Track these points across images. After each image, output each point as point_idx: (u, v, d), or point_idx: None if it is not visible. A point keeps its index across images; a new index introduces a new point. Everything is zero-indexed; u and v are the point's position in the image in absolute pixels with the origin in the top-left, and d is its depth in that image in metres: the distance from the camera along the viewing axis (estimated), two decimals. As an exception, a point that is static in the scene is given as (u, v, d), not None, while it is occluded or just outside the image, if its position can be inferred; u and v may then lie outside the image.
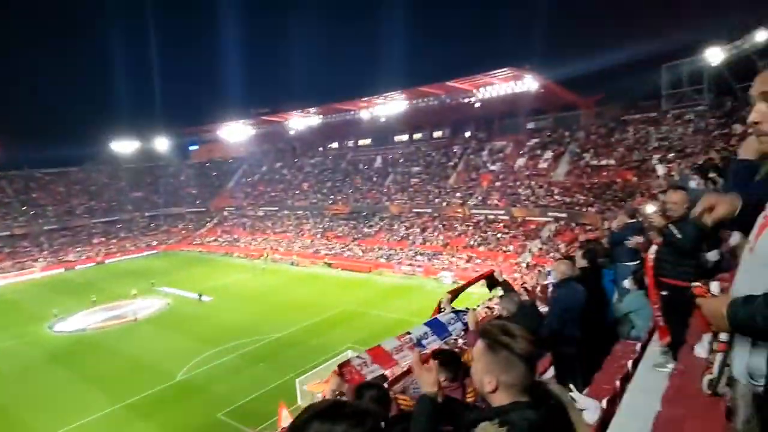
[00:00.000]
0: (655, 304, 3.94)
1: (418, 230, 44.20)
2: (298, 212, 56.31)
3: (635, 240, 5.21)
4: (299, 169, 65.62)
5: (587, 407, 3.71)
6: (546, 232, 36.64)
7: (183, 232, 62.82)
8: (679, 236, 3.52)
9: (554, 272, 4.51)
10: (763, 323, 1.10)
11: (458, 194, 45.63)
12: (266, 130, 66.40)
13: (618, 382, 4.49)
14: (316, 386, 16.08)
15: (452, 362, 3.01)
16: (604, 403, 3.93)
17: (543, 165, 43.47)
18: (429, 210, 45.92)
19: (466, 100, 46.31)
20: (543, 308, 5.74)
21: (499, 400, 1.53)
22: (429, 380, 1.80)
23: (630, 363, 4.89)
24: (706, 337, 3.60)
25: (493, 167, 46.90)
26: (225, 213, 63.70)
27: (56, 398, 20.17)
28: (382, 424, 2.51)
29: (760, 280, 1.16)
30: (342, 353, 20.79)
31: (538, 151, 45.19)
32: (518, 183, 42.86)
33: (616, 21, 58.39)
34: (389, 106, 50.84)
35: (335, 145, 66.96)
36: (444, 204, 45.34)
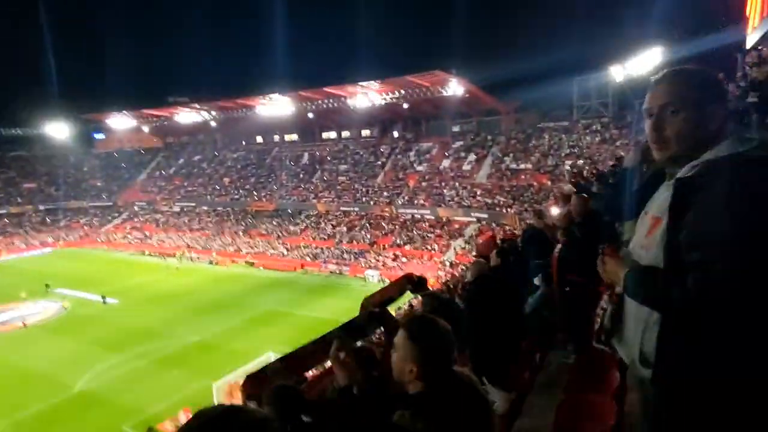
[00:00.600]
0: (559, 299, 4.29)
1: (345, 229, 44.23)
2: (219, 209, 54.09)
3: None
4: (220, 163, 63.02)
5: (497, 399, 3.96)
6: (469, 232, 38.22)
7: (85, 228, 57.87)
8: (578, 235, 3.86)
9: (468, 272, 4.75)
10: (644, 293, 1.32)
11: (386, 193, 46.25)
12: (184, 121, 63.06)
13: (528, 374, 4.84)
14: (233, 389, 15.58)
15: (368, 359, 3.08)
16: (513, 394, 4.21)
17: (467, 167, 45.27)
18: (356, 208, 46.10)
19: (395, 101, 47.20)
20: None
21: (416, 387, 1.62)
22: (344, 374, 1.85)
23: (539, 356, 5.28)
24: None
25: (419, 168, 48.08)
26: (135, 208, 59.57)
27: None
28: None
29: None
30: (264, 355, 20.32)
31: (463, 154, 47.00)
32: (443, 184, 44.29)
33: (536, 32, 62.23)
34: (317, 102, 50.65)
35: (260, 139, 65.08)
36: (371, 203, 45.75)
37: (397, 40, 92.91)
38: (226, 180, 58.54)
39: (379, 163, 51.31)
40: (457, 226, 39.54)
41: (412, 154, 50.44)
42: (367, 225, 43.68)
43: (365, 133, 57.52)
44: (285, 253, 42.71)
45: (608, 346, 1.94)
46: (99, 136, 74.20)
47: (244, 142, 65.20)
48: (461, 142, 48.48)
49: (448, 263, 34.41)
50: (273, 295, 31.97)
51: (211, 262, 42.73)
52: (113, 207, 60.89)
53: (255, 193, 54.11)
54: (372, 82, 44.79)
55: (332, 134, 59.68)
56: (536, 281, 6.03)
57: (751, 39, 14.02)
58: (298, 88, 50.01)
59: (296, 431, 2.48)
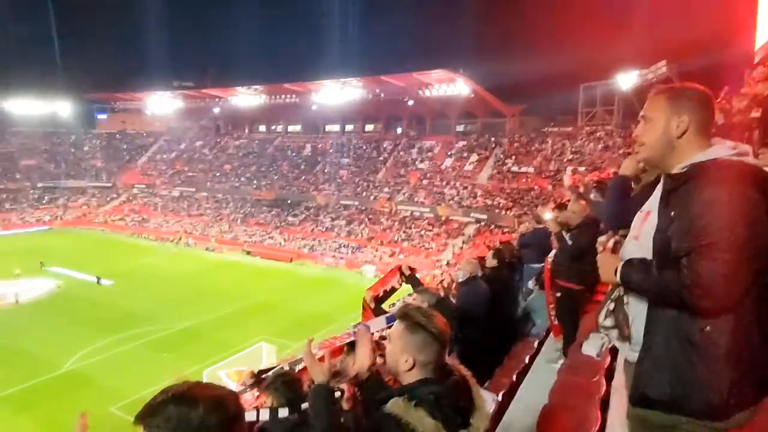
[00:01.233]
0: (550, 304, 4.31)
1: (344, 222, 44.27)
2: (218, 195, 54.06)
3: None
4: (222, 150, 62.92)
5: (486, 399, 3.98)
6: (468, 232, 38.29)
7: (83, 207, 57.79)
8: (569, 242, 3.89)
9: (461, 271, 4.78)
10: (637, 279, 1.47)
11: (386, 189, 46.29)
12: (189, 106, 63.02)
13: (515, 377, 4.87)
14: (234, 374, 15.67)
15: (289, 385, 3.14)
16: (499, 396, 4.24)
17: (468, 167, 45.30)
18: (356, 203, 46.13)
19: (401, 97, 47.22)
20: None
21: (411, 377, 1.67)
22: (319, 371, 1.88)
23: (527, 358, 5.32)
24: (594, 337, 4.02)
25: (421, 165, 48.09)
26: (134, 191, 59.51)
27: None
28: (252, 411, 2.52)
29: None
30: (256, 344, 20.40)
31: (465, 154, 47.00)
32: (444, 183, 44.33)
33: (544, 36, 62.08)
34: (322, 94, 50.64)
35: (263, 128, 65.04)
36: (371, 198, 45.79)
37: (406, 36, 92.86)
38: (227, 167, 58.48)
39: (381, 158, 51.32)
40: (456, 225, 39.59)
41: (414, 151, 50.44)
42: (366, 220, 43.72)
43: (369, 127, 57.50)
44: (282, 243, 42.77)
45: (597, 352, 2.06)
46: (101, 116, 74.10)
47: (246, 130, 65.18)
48: (464, 143, 48.49)
49: (445, 262, 34.49)
50: (268, 285, 31.99)
51: (208, 249, 42.76)
52: (112, 188, 60.82)
53: (255, 181, 54.10)
54: (379, 77, 44.81)
55: (335, 127, 59.68)
56: (530, 285, 6.07)
57: (759, 54, 14.02)
58: (302, 80, 50.05)
59: (299, 419, 2.52)
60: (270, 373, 3.16)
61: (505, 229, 35.01)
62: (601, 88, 41.14)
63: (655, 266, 1.42)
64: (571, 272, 3.85)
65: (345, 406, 2.40)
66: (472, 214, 39.35)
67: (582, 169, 34.52)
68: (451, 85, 43.11)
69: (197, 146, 64.96)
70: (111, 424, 15.32)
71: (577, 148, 40.87)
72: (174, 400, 1.08)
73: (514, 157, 43.81)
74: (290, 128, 62.98)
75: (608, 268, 1.57)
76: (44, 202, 57.59)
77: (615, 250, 1.67)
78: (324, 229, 44.00)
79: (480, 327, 4.12)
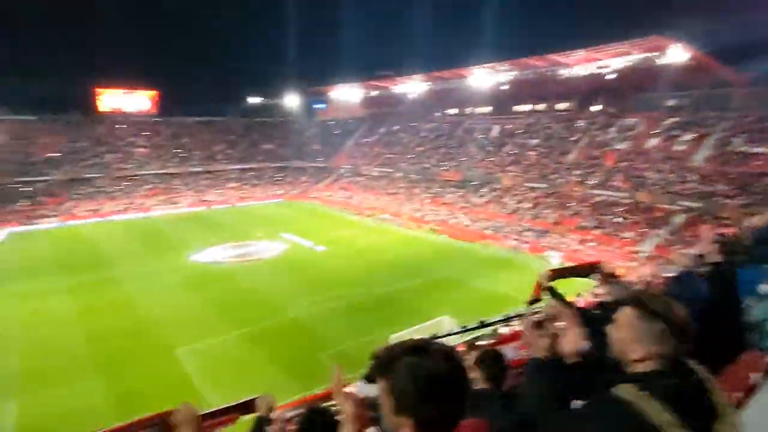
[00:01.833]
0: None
1: (530, 205, 42.70)
2: (411, 176, 57.35)
3: None
4: (416, 133, 66.23)
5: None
6: (675, 222, 33.22)
7: (304, 184, 67.77)
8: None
9: (675, 264, 4.22)
10: None
11: (577, 172, 42.87)
12: (387, 93, 67.79)
13: (738, 395, 4.28)
14: None
15: (494, 360, 3.08)
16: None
17: (680, 148, 38.83)
18: (544, 185, 43.91)
19: (598, 71, 42.71)
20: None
21: (642, 368, 1.54)
22: (541, 344, 1.86)
23: (757, 376, 4.58)
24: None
25: (620, 146, 43.02)
26: (342, 170, 67.16)
27: (186, 319, 23.66)
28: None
29: None
30: (439, 317, 21.54)
31: (676, 132, 40.32)
32: (647, 165, 38.96)
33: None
34: (509, 74, 48.97)
35: (453, 111, 66.19)
36: (560, 180, 43.01)
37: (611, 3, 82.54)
38: (419, 149, 61.44)
39: (574, 138, 47.48)
40: (658, 214, 34.67)
41: (612, 130, 45.32)
42: (553, 204, 41.36)
43: (561, 106, 53.57)
44: (467, 223, 43.43)
45: None
46: (319, 106, 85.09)
47: (438, 114, 67.15)
48: (675, 119, 41.56)
49: (644, 254, 30.73)
50: (452, 263, 33.08)
51: (400, 225, 46.02)
52: (326, 168, 69.70)
53: (444, 162, 55.70)
54: (578, 51, 41.03)
55: (525, 107, 57.20)
56: (765, 288, 5.21)
57: None
58: (494, 60, 48.82)
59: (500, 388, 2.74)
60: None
61: (725, 221, 29.34)
62: None
63: None
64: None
65: None
66: (681, 202, 33.87)
67: None
68: (660, 53, 37.17)
69: (394, 130, 69.62)
70: (317, 366, 18.33)
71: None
72: (410, 350, 1.22)
73: (743, 134, 35.94)
74: (479, 110, 62.63)
75: None
76: (278, 178, 69.29)
77: None
78: (509, 212, 43.15)
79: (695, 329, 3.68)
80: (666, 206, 34.55)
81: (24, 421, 15.50)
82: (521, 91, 53.73)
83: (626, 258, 30.21)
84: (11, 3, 78.75)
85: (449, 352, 1.24)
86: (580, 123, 48.84)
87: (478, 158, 53.31)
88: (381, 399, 1.24)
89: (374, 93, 69.31)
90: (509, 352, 4.72)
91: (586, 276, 4.12)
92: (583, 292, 18.21)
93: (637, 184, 37.57)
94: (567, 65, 44.46)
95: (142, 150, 66.17)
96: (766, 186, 30.36)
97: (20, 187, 53.21)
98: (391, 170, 60.43)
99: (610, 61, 41.61)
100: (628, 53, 39.51)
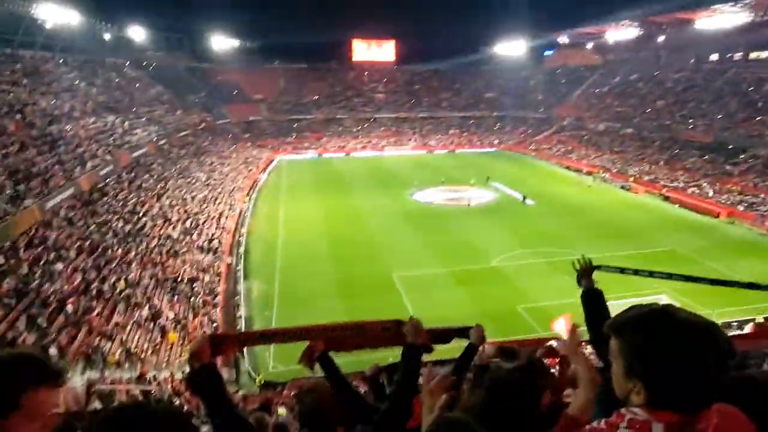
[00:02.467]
0: None
1: (809, 181, 32.61)
2: (645, 133, 49.41)
3: None
4: (658, 84, 55.82)
5: None
6: None
7: (522, 135, 65.13)
8: None
9: None
10: None
11: None
12: (629, 36, 58.14)
13: None
14: None
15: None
16: None
17: None
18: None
19: None
20: None
21: None
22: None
23: None
24: None
25: None
26: (564, 123, 61.89)
27: (403, 249, 26.38)
28: None
29: None
30: (656, 295, 19.07)
31: None
32: None
33: None
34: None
35: (715, 57, 53.05)
36: None
37: None
38: (660, 103, 51.86)
39: None
40: None
41: None
42: None
43: None
44: (711, 194, 35.73)
45: None
46: (548, 53, 78.48)
47: (692, 61, 54.81)
48: None
49: None
50: (681, 237, 28.12)
51: (623, 187, 40.81)
52: (547, 119, 65.24)
53: (691, 120, 46.03)
54: None
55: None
56: None
57: None
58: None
59: None
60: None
61: None
62: None
63: None
64: None
65: None
66: None
67: None
68: None
69: (632, 79, 59.95)
70: (515, 318, 18.55)
71: None
72: (651, 314, 1.10)
73: None
74: (753, 55, 48.61)
75: None
76: (496, 128, 68.25)
77: None
78: (775, 186, 33.81)
79: None
80: None
81: (282, 290, 21.43)
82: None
83: None
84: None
85: (711, 328, 1.06)
86: None
87: (739, 117, 42.29)
88: (612, 359, 1.15)
89: (612, 36, 60.26)
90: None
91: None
92: None
93: None
94: None
95: (380, 95, 73.00)
96: None
97: (293, 124, 65.42)
98: (620, 125, 52.98)
99: None
100: None
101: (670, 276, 3.01)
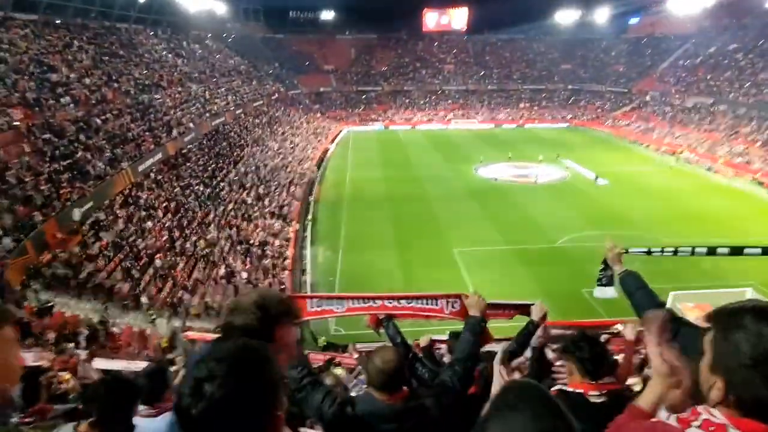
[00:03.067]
0: None
1: None
2: (739, 110, 44.16)
3: None
4: (762, 55, 49.22)
5: None
6: None
7: (598, 110, 60.69)
8: None
9: None
10: None
11: None
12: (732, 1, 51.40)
13: None
14: (690, 310, 14.57)
15: None
16: None
17: None
18: None
19: None
20: None
21: None
22: None
23: None
24: None
25: None
26: (647, 97, 56.68)
27: (466, 224, 25.85)
28: None
29: None
30: (742, 288, 17.41)
31: None
32: None
33: None
34: None
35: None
36: None
37: None
38: (762, 76, 45.84)
39: None
40: None
41: None
42: None
43: None
44: (818, 181, 31.55)
45: None
46: (634, 20, 71.48)
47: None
48: None
49: None
50: (777, 228, 25.24)
51: (710, 169, 37.07)
52: (627, 94, 60.13)
53: (801, 97, 40.42)
54: None
55: None
56: None
57: None
58: None
59: None
60: None
61: None
62: None
63: None
64: None
65: None
66: None
67: None
68: None
69: (730, 50, 53.31)
70: (578, 301, 17.69)
71: None
72: (754, 311, 1.02)
73: None
74: None
75: None
76: (570, 102, 64.07)
77: None
78: None
79: None
80: None
81: (345, 258, 21.89)
82: None
83: None
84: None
85: None
86: None
87: None
88: (704, 348, 1.07)
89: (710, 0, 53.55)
90: None
91: None
92: None
93: None
94: None
95: (449, 66, 70.75)
96: None
97: (361, 96, 65.42)
98: (711, 101, 47.66)
99: None
100: None
101: (702, 250, 2.84)
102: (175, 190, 22.58)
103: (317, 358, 11.04)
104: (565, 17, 71.27)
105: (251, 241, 21.75)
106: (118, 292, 13.90)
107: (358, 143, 49.52)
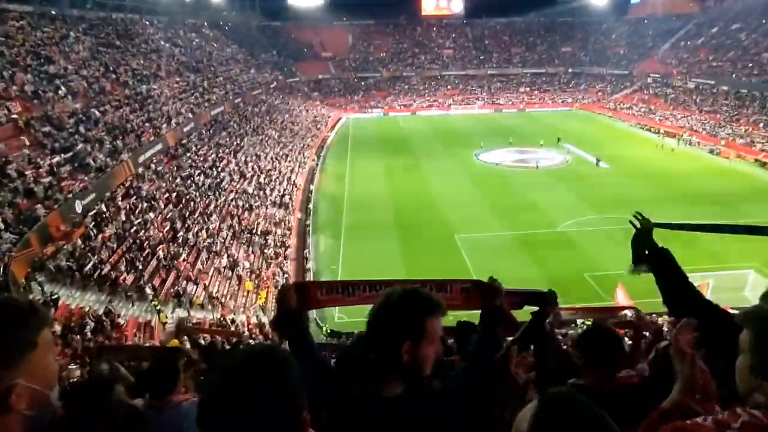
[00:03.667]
0: None
1: None
2: (742, 91, 43.69)
3: None
4: (766, 34, 48.49)
5: None
6: None
7: (599, 93, 60.11)
8: None
9: None
10: None
11: None
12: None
13: None
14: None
15: None
16: None
17: None
18: None
19: None
20: None
21: None
22: None
23: None
24: None
25: None
26: (648, 80, 56.08)
27: (467, 209, 25.81)
28: None
29: None
30: (744, 269, 17.40)
31: None
32: None
33: None
34: None
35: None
36: None
37: None
38: (766, 56, 45.25)
39: None
40: None
41: None
42: None
43: None
44: (820, 161, 31.33)
45: None
46: (635, 1, 70.33)
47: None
48: None
49: None
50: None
51: (712, 152, 36.80)
52: (628, 76, 59.51)
53: (804, 76, 39.92)
54: None
55: None
56: None
57: None
58: None
59: None
60: None
61: None
62: None
63: None
64: None
65: None
66: None
67: None
68: None
69: (732, 29, 52.55)
70: (583, 286, 17.70)
71: None
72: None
73: None
74: None
75: None
76: (570, 86, 63.44)
77: None
78: None
79: None
80: None
81: (347, 246, 21.82)
82: None
83: None
84: None
85: None
86: None
87: None
88: (741, 351, 1.03)
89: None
90: None
91: None
92: None
93: None
94: None
95: (448, 52, 69.93)
96: None
97: (360, 82, 64.82)
98: (713, 82, 47.12)
99: None
100: None
101: (733, 229, 2.62)
102: (176, 181, 22.49)
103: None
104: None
105: (253, 231, 21.72)
106: (122, 284, 13.93)
107: (358, 130, 49.22)
